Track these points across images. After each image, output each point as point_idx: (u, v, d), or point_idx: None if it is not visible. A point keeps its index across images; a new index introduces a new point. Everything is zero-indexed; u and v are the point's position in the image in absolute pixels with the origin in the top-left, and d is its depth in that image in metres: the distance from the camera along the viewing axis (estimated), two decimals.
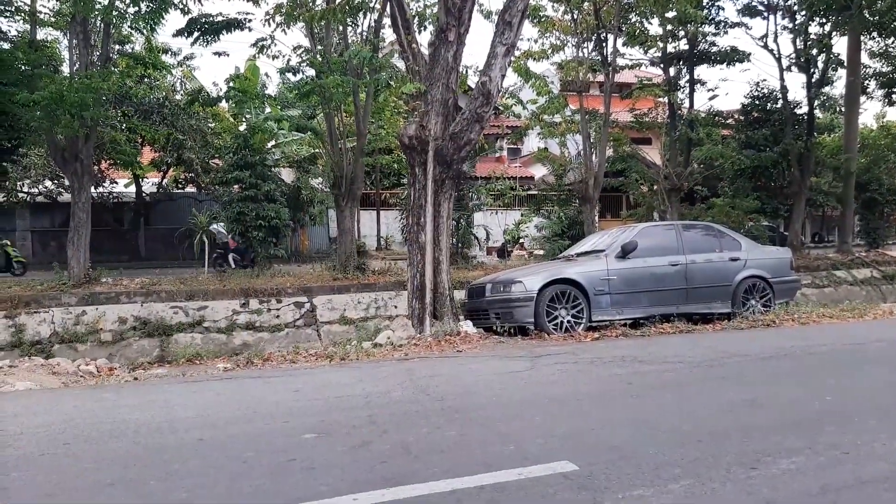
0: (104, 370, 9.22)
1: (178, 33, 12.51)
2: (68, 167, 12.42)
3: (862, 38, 19.22)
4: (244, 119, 18.15)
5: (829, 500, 3.23)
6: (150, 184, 23.15)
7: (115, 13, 11.65)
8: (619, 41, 16.89)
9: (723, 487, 3.40)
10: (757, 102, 19.59)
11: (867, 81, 20.76)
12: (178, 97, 19.52)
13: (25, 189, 20.81)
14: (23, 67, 11.98)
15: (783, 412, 4.85)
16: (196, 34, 12.28)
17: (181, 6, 12.20)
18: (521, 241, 22.46)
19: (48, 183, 20.68)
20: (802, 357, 7.25)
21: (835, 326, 9.74)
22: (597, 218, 17.58)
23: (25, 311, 10.71)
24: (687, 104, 19.27)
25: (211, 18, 12.30)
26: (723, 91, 76.33)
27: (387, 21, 13.27)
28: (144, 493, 3.58)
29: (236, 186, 15.79)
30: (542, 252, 19.67)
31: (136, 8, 11.82)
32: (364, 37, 14.21)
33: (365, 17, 14.16)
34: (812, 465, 3.67)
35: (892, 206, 22.87)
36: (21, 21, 13.45)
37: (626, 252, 9.99)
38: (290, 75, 14.17)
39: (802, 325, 9.81)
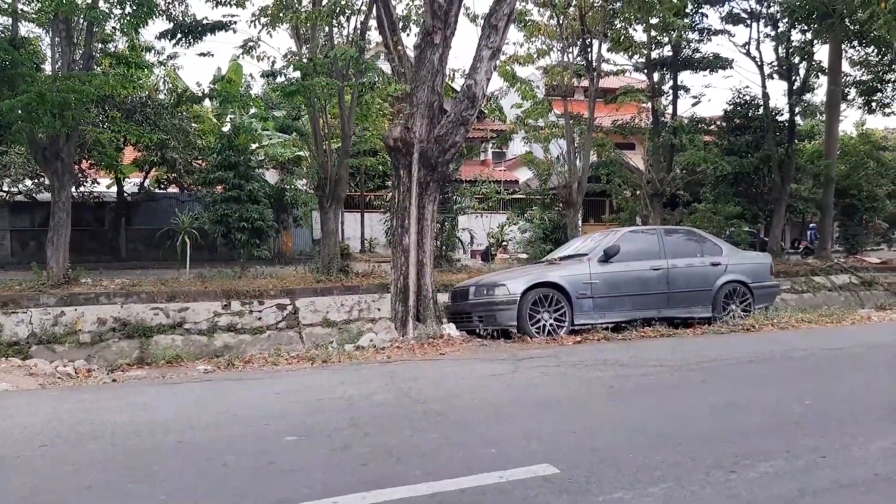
0: (82, 371, 9.11)
1: (162, 36, 12.41)
2: (49, 166, 12.28)
3: (843, 46, 19.48)
4: (228, 119, 18.02)
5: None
6: (131, 184, 22.89)
7: (98, 13, 11.53)
8: (604, 47, 17.00)
9: (702, 490, 3.42)
10: (739, 109, 19.79)
11: (847, 89, 21.05)
12: (161, 96, 19.34)
13: (5, 188, 20.52)
14: (3, 65, 11.81)
15: (762, 416, 4.89)
16: (179, 35, 12.18)
17: (166, 13, 12.12)
18: (505, 244, 22.49)
19: (28, 182, 20.40)
20: (782, 361, 7.33)
21: (813, 331, 9.85)
22: (580, 222, 17.67)
23: (3, 311, 10.56)
24: (670, 110, 19.43)
25: (195, 22, 12.21)
26: (706, 97, 76.93)
27: (373, 23, 13.23)
28: (123, 496, 3.55)
29: (219, 187, 15.68)
30: (525, 255, 19.70)
31: (121, 10, 11.72)
32: (350, 38, 14.19)
33: (350, 20, 14.16)
34: (790, 469, 3.71)
35: (871, 213, 23.18)
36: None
37: (608, 256, 10.04)
38: (274, 77, 14.10)
39: (782, 329, 9.91)
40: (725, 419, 4.85)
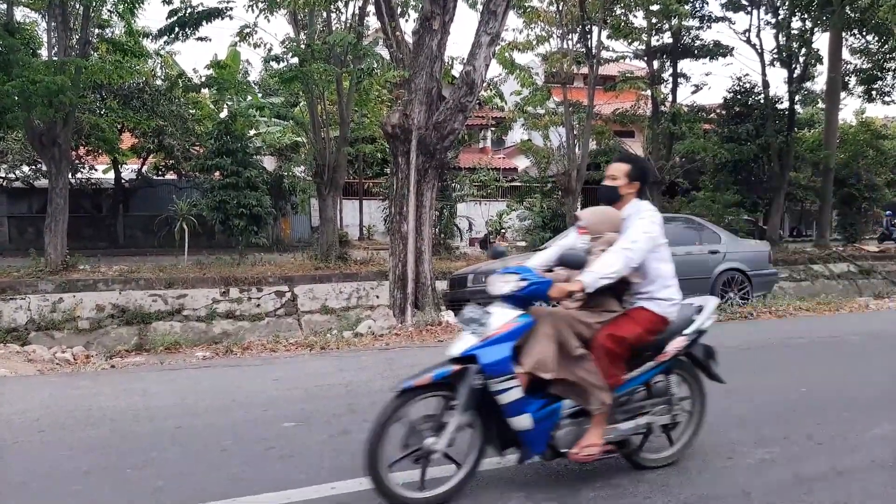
0: (80, 358, 9.12)
1: (160, 34, 12.34)
2: (46, 152, 12.24)
3: (843, 34, 19.37)
4: (226, 105, 17.92)
5: (803, 490, 3.27)
6: (129, 170, 22.83)
7: None
8: (604, 33, 16.91)
9: (699, 476, 3.44)
10: (739, 97, 19.70)
11: (847, 77, 20.95)
12: (158, 82, 19.22)
13: (2, 174, 20.46)
14: None
15: (759, 403, 4.90)
16: (176, 29, 12.09)
17: None
18: (504, 232, 22.47)
19: (25, 168, 20.33)
20: (779, 349, 7.34)
21: (811, 320, 9.86)
22: (579, 210, 17.62)
23: (1, 297, 10.56)
24: (670, 98, 19.36)
25: (192, 9, 12.10)
26: (706, 86, 76.61)
27: (371, 9, 13.16)
28: (121, 481, 3.55)
29: (217, 173, 15.62)
30: (524, 243, 19.70)
31: None
32: (348, 24, 14.11)
33: (348, 6, 14.07)
34: (787, 456, 3.72)
35: (870, 202, 23.16)
36: None
37: None
38: (273, 63, 14.01)
39: (779, 317, 9.91)
40: (722, 406, 4.85)
